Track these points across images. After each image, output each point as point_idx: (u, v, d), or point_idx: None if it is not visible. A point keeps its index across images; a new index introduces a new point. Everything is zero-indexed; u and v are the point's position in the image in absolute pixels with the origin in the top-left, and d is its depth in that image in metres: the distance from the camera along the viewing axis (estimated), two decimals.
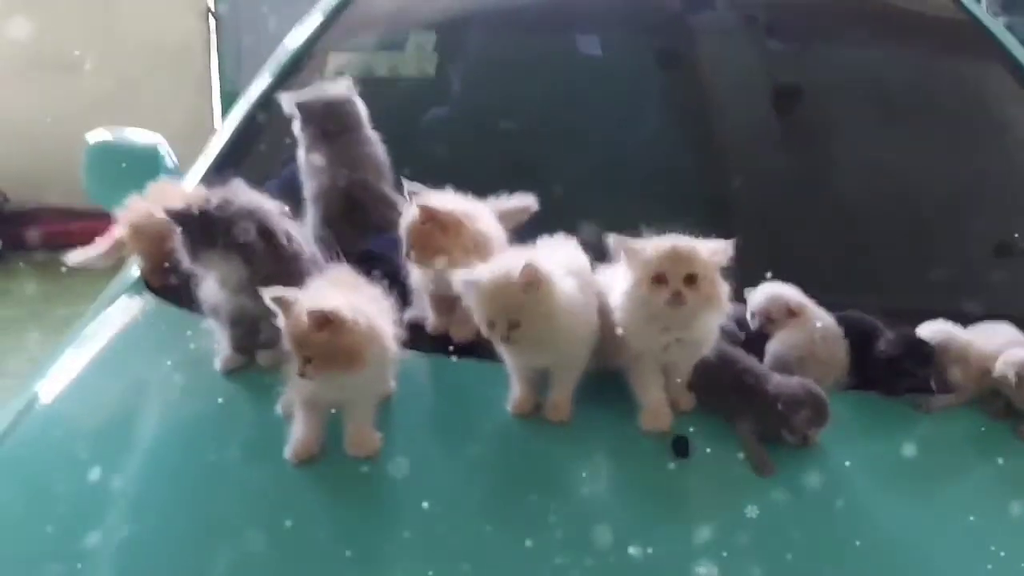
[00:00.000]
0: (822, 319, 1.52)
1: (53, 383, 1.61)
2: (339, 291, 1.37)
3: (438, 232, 1.49)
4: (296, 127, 1.88)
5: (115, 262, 1.95)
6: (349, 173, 1.79)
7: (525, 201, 1.71)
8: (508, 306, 1.34)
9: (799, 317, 1.52)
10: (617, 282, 1.40)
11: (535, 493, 1.33)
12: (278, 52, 2.43)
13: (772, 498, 1.30)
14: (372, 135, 1.87)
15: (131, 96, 5.31)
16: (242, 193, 1.53)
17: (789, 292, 1.55)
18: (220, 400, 1.51)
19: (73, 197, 5.23)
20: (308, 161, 1.85)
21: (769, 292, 1.54)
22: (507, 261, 1.36)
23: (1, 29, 5.22)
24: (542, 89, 2.27)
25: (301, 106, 1.86)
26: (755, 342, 1.53)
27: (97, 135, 2.33)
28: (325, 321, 1.29)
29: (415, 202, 1.50)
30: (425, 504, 1.30)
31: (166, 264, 1.78)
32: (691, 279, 1.33)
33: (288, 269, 1.51)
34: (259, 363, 1.56)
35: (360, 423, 1.38)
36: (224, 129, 2.25)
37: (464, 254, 1.50)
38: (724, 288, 1.36)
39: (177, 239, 1.50)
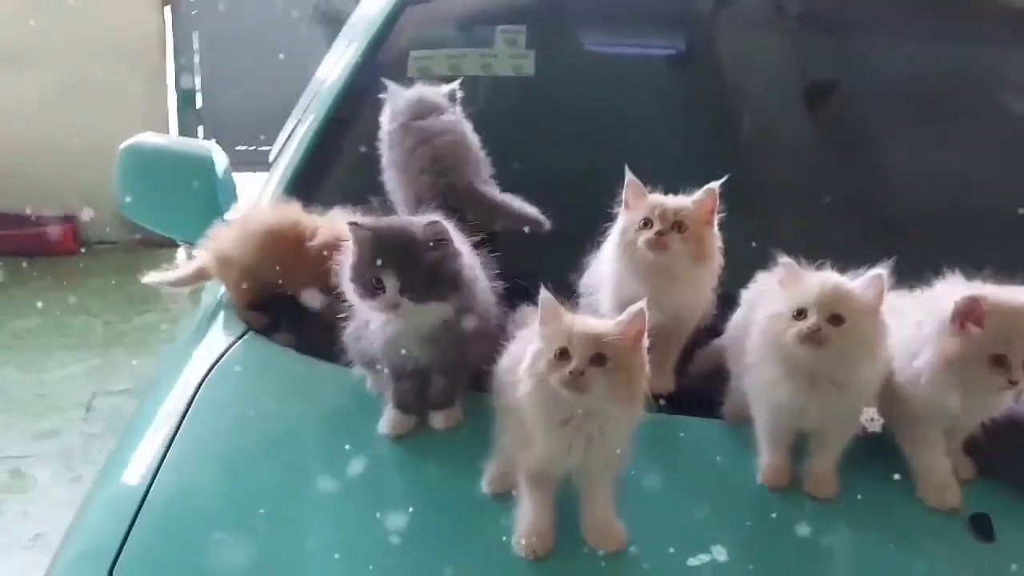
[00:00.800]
0: None
1: (174, 445, 1.31)
2: None
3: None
4: (384, 123, 1.63)
5: (193, 288, 1.69)
6: (437, 178, 1.53)
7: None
8: (838, 303, 1.13)
9: None
10: (927, 334, 1.17)
11: None
12: (345, 55, 2.13)
13: None
14: (458, 123, 1.62)
15: (82, 93, 4.90)
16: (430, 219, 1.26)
17: None
18: (399, 473, 1.25)
19: (15, 201, 4.87)
20: (392, 165, 1.59)
21: None
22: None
23: None
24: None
25: (392, 95, 1.63)
26: None
27: (136, 141, 1.97)
28: (640, 329, 1.07)
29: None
30: None
31: (259, 298, 1.54)
32: None
33: (488, 309, 1.27)
34: (433, 425, 1.30)
35: (603, 506, 1.14)
36: (294, 145, 1.95)
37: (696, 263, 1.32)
38: None
39: (363, 273, 1.22)
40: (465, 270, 1.25)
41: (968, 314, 1.12)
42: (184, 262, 1.70)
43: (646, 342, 1.09)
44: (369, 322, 1.29)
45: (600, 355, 1.06)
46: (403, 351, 1.26)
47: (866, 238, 1.71)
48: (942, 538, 1.16)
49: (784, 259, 1.18)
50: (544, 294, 1.09)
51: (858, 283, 1.15)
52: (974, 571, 1.12)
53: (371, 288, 1.22)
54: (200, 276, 1.65)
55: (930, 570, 1.12)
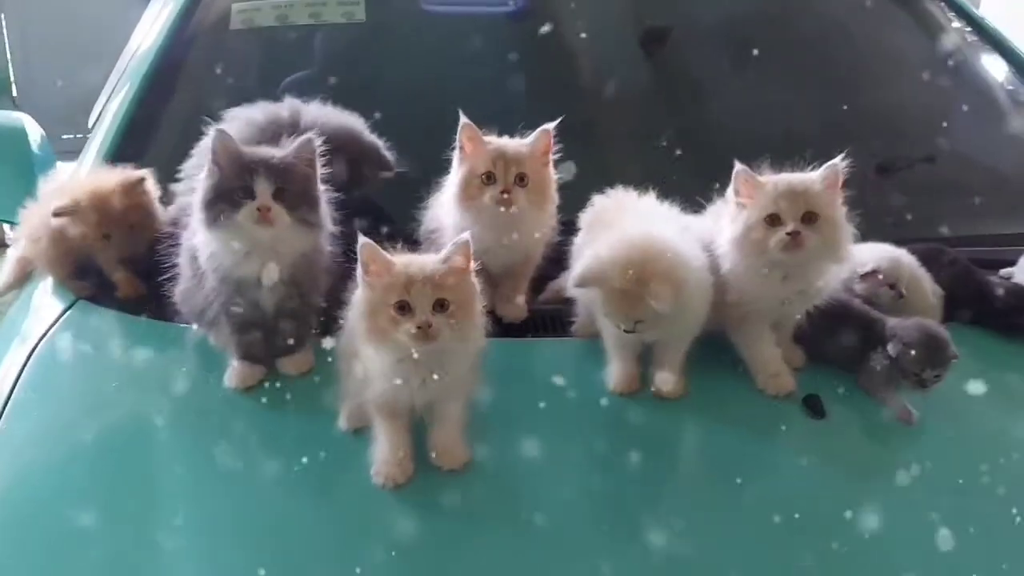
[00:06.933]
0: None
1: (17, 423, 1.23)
2: None
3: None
4: None
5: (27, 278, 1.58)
6: None
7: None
8: (636, 305, 1.16)
9: None
10: (723, 230, 1.24)
11: (676, 482, 1.17)
12: (161, 20, 2.02)
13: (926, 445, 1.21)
14: None
15: None
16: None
17: None
18: (252, 422, 1.21)
19: None
20: None
21: None
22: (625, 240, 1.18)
23: None
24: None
25: None
26: None
27: None
28: (468, 259, 1.07)
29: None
30: (541, 515, 1.09)
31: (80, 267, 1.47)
32: (810, 217, 1.19)
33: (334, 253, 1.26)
34: (284, 371, 1.27)
35: (449, 429, 1.14)
36: (113, 109, 1.84)
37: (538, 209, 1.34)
38: (847, 232, 1.22)
39: (228, 181, 1.16)
40: (323, 202, 1.22)
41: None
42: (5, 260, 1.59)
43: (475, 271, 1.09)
44: (205, 278, 1.24)
45: (441, 301, 1.04)
46: (252, 299, 1.22)
47: (694, 168, 1.78)
48: (781, 421, 1.23)
49: None
50: (363, 241, 1.05)
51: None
52: (811, 446, 1.19)
53: (236, 199, 1.15)
54: (24, 266, 1.55)
55: (774, 450, 1.19)
